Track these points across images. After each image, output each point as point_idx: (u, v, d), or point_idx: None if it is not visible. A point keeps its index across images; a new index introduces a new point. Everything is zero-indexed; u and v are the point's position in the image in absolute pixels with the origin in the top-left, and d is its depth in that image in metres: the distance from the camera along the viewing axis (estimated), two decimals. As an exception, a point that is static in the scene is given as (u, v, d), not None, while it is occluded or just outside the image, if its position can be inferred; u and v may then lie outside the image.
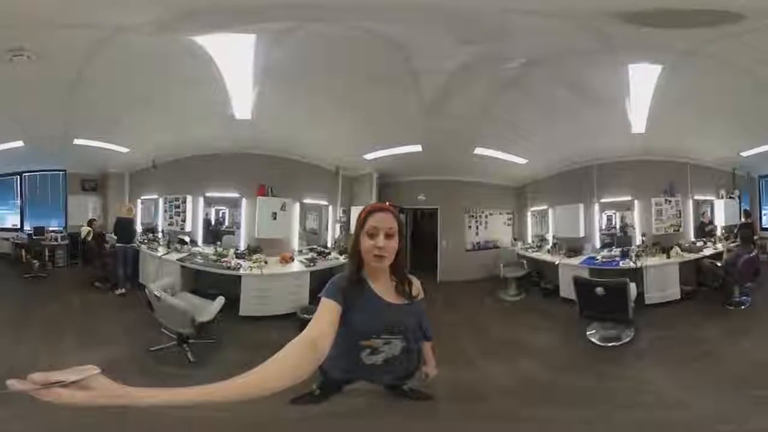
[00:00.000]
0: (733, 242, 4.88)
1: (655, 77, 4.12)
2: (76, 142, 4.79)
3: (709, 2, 3.10)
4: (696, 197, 5.23)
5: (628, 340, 4.27)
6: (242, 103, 4.35)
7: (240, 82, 4.13)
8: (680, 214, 5.16)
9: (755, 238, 4.79)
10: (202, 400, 1.00)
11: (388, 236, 1.61)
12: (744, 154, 5.00)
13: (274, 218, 5.23)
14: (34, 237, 5.17)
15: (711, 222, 5.24)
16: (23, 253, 5.09)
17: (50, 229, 5.22)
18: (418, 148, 5.00)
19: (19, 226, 5.24)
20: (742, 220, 5.03)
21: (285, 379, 1.16)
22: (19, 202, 5.21)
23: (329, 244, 5.55)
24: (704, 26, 3.29)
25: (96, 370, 0.94)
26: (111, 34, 3.49)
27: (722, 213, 5.18)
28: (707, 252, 4.99)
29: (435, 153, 5.02)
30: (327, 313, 1.51)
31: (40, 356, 3.63)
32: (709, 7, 3.13)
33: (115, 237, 5.02)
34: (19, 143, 4.78)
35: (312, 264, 5.10)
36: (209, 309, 4.19)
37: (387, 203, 1.75)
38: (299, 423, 2.05)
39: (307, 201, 5.49)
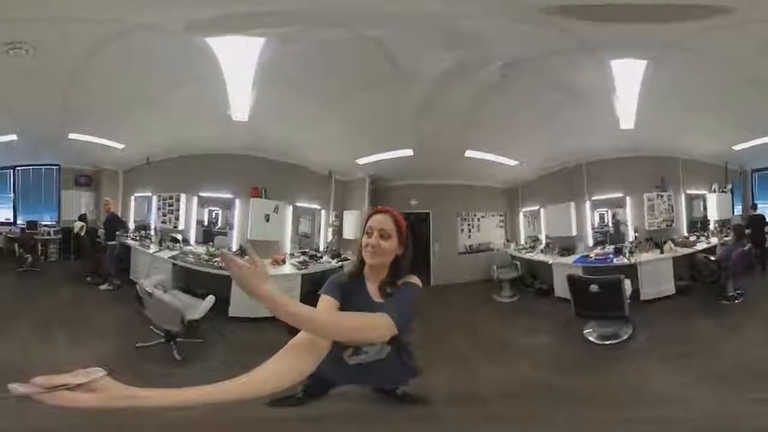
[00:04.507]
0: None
1: (641, 73, 4.14)
2: (71, 136, 4.79)
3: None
4: (688, 192, 5.21)
5: (626, 337, 4.22)
6: (240, 105, 4.37)
7: (239, 83, 4.17)
8: (672, 209, 5.14)
9: (747, 231, 4.72)
10: (206, 401, 1.01)
11: (382, 236, 1.66)
12: (736, 147, 4.98)
13: (267, 220, 5.24)
14: (26, 231, 5.17)
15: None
16: (16, 247, 5.06)
17: (43, 223, 5.21)
18: (409, 152, 5.01)
19: (12, 220, 5.24)
20: (750, 212, 5.01)
21: (285, 379, 1.19)
22: (12, 195, 5.20)
23: (321, 248, 5.53)
24: (690, 20, 3.34)
25: (102, 372, 0.94)
26: (111, 30, 3.55)
27: (715, 207, 5.14)
28: (700, 246, 4.96)
29: (426, 157, 5.01)
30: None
31: (30, 350, 3.64)
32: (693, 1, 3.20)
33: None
34: (13, 137, 4.79)
35: (304, 267, 5.09)
36: (199, 307, 4.18)
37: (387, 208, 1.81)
38: (293, 426, 2.03)
39: (300, 204, 5.48)
